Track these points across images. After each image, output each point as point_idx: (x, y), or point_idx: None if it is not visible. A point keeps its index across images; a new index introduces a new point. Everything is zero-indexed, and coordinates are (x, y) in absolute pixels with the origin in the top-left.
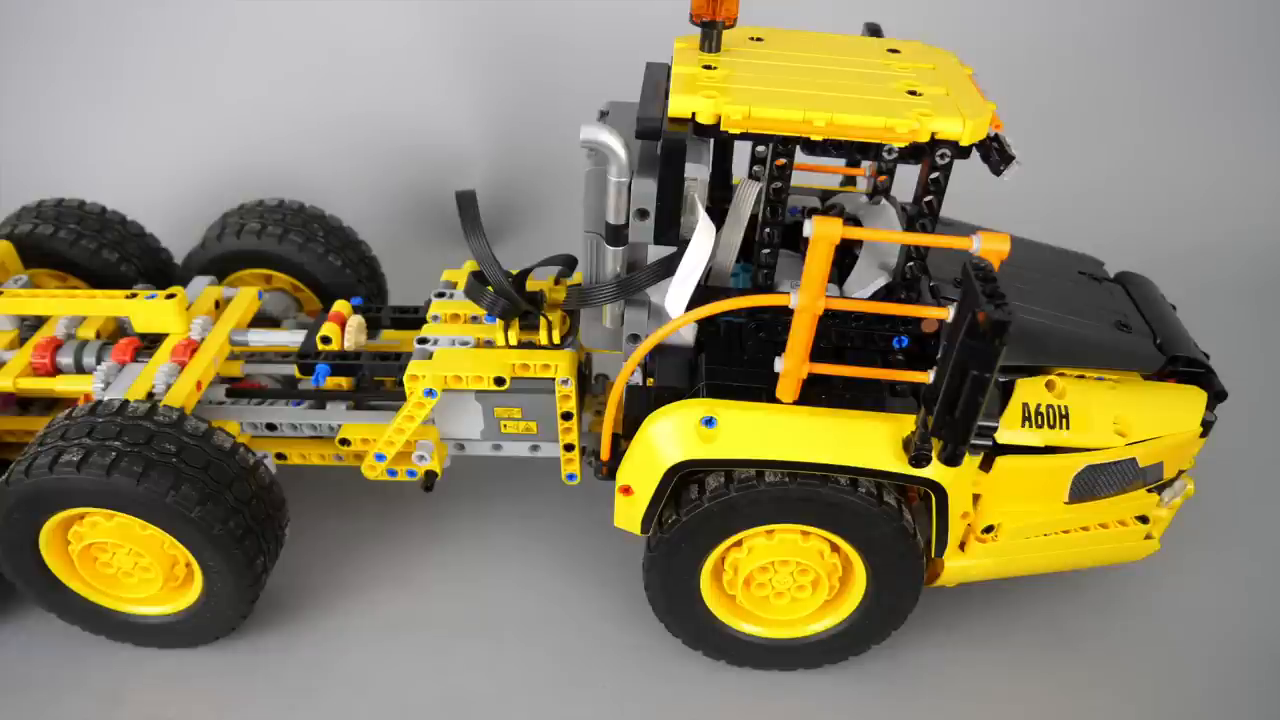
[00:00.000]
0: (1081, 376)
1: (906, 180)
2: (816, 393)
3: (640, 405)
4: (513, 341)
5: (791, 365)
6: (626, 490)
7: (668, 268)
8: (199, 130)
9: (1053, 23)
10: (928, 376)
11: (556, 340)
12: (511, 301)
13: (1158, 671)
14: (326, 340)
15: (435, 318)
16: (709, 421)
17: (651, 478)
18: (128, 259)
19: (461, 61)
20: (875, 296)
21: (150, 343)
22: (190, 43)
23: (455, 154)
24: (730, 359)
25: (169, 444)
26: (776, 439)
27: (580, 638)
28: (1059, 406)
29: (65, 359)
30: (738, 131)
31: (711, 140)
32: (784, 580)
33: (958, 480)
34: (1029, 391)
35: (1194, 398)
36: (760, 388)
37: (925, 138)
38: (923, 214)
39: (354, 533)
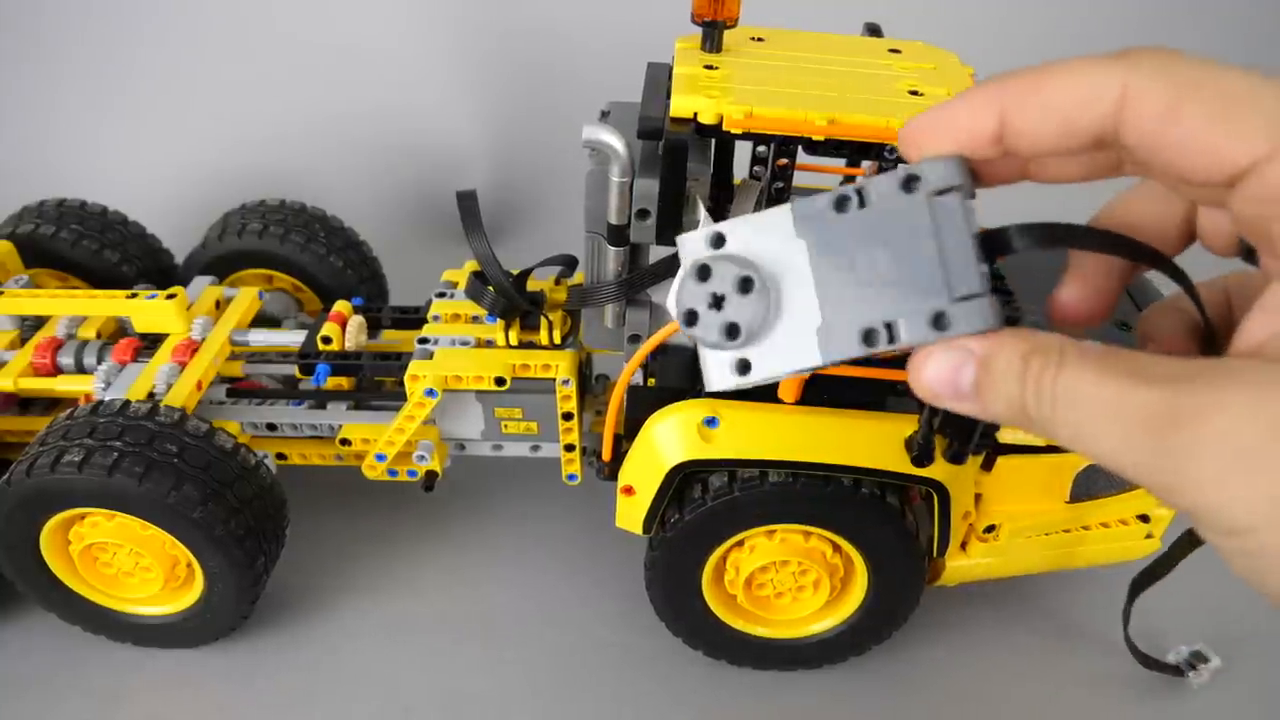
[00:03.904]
0: None
1: None
2: (818, 393)
3: (642, 406)
4: (513, 341)
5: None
6: (628, 491)
7: (669, 268)
8: (200, 131)
9: (1054, 23)
10: None
11: (557, 340)
12: (512, 301)
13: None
14: (327, 340)
15: (436, 318)
16: (711, 421)
17: (654, 478)
18: (129, 259)
19: (462, 62)
20: None
21: (151, 343)
22: (192, 43)
23: (456, 154)
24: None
25: (170, 444)
26: (778, 439)
27: (580, 638)
28: None
29: (66, 359)
30: (739, 131)
31: (713, 140)
32: (785, 580)
33: (959, 480)
34: None
35: None
36: (762, 388)
37: None
38: None
39: (354, 533)
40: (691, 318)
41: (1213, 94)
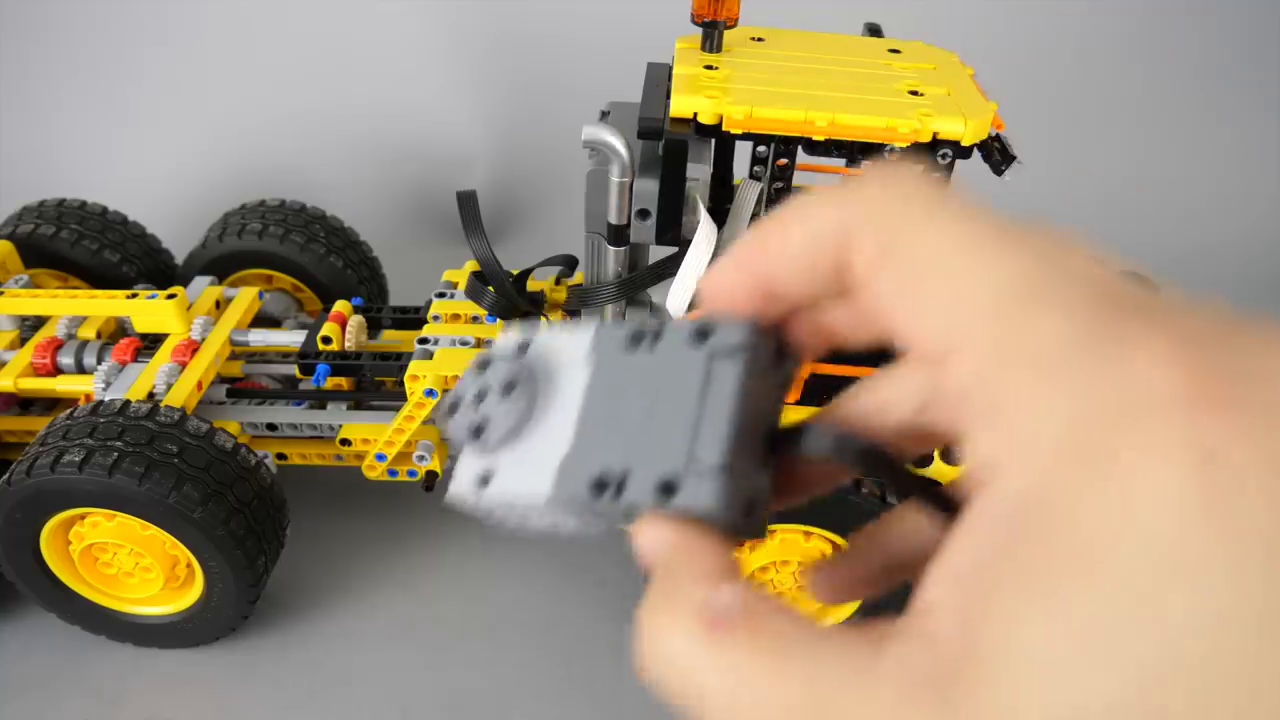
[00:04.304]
0: None
1: None
2: (818, 392)
3: None
4: None
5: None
6: None
7: (669, 268)
8: (200, 130)
9: (1054, 23)
10: None
11: None
12: (512, 302)
13: None
14: (327, 340)
15: (436, 318)
16: None
17: None
18: (129, 259)
19: (462, 61)
20: None
21: (151, 343)
22: (192, 43)
23: (455, 154)
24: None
25: (171, 444)
26: None
27: (580, 638)
28: None
29: (66, 359)
30: (740, 131)
31: (713, 140)
32: (784, 580)
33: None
34: None
35: None
36: None
37: (927, 138)
38: None
39: (354, 533)
40: (454, 409)
41: (909, 255)
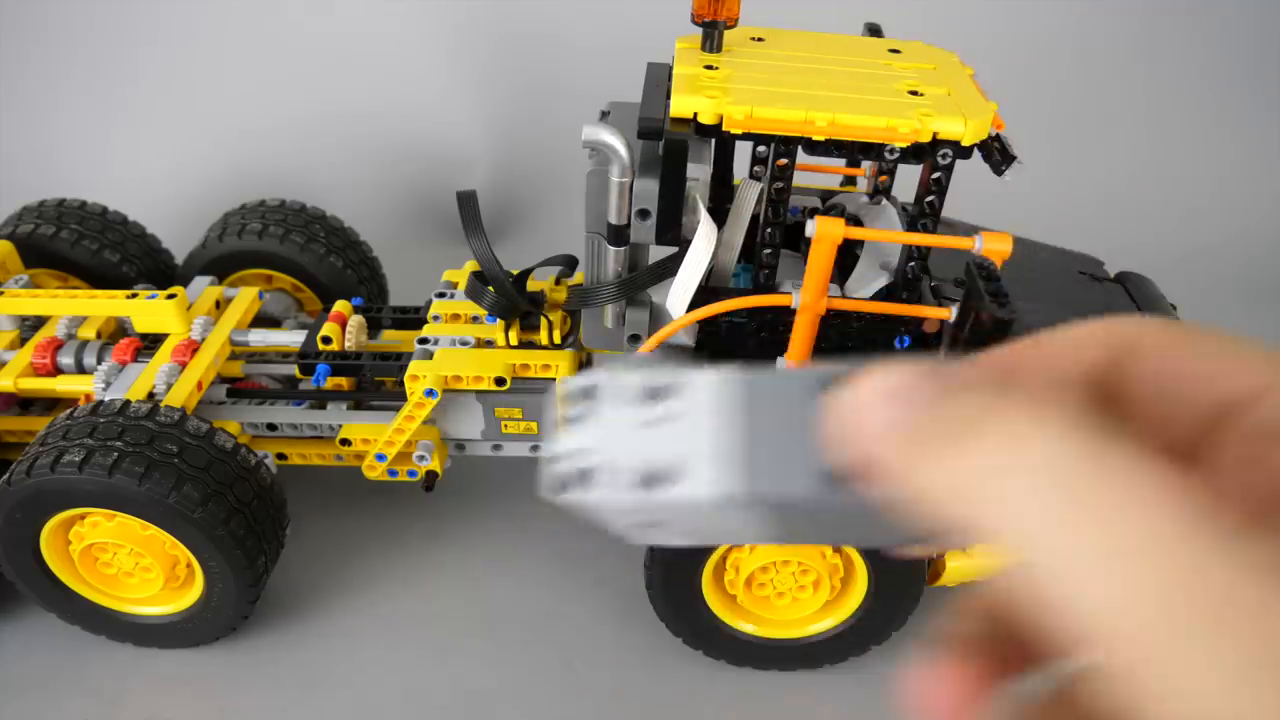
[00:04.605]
0: None
1: (906, 180)
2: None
3: None
4: (513, 342)
5: (794, 365)
6: None
7: (669, 268)
8: (200, 130)
9: (1054, 23)
10: None
11: (557, 340)
12: (512, 301)
13: None
14: (327, 340)
15: (436, 318)
16: None
17: None
18: (129, 259)
19: (463, 62)
20: (876, 296)
21: (151, 343)
22: (191, 43)
23: (455, 154)
24: (732, 359)
25: (171, 444)
26: None
27: (580, 637)
28: None
29: (66, 359)
30: (740, 132)
31: (713, 140)
32: (785, 580)
33: None
34: None
35: None
36: None
37: (927, 138)
38: (924, 214)
39: (354, 533)
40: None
41: (1211, 331)
